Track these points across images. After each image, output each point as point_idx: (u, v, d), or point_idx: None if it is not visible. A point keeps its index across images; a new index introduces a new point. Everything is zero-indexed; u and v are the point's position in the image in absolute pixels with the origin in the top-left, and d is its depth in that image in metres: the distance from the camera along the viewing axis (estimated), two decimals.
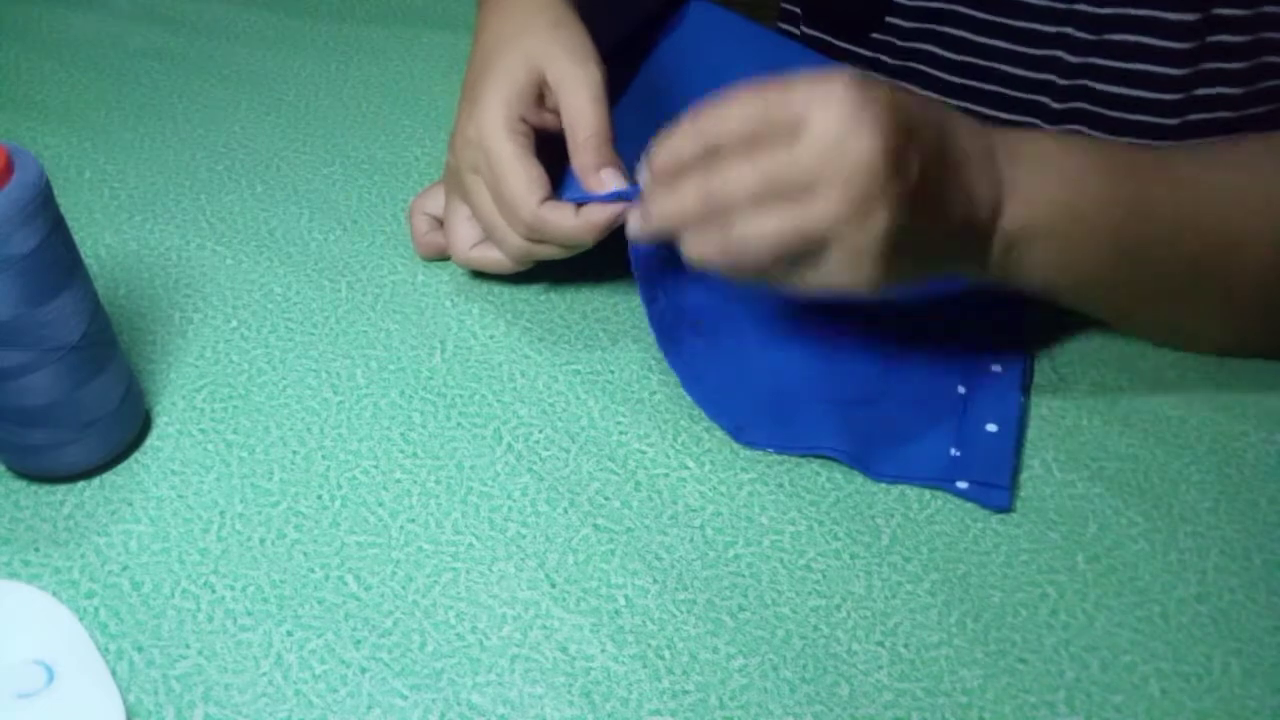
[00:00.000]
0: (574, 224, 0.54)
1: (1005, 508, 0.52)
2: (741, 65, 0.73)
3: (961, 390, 0.58)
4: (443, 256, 0.63)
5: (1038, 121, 0.67)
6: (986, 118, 0.68)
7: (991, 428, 0.55)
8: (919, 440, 0.55)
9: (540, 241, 0.56)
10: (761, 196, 0.46)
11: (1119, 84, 0.62)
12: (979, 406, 0.56)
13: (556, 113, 0.56)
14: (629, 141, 0.66)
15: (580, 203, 0.54)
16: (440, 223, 0.62)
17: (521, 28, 0.57)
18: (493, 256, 0.59)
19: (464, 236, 0.60)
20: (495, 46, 0.57)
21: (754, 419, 0.55)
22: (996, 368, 0.59)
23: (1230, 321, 0.57)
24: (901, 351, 0.59)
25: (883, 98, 0.45)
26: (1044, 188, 0.50)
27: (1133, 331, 0.59)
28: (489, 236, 0.58)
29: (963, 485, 0.52)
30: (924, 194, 0.46)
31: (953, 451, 0.54)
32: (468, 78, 0.59)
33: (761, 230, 0.46)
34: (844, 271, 0.47)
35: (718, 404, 0.55)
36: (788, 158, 0.45)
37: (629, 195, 0.53)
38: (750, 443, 0.54)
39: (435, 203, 0.63)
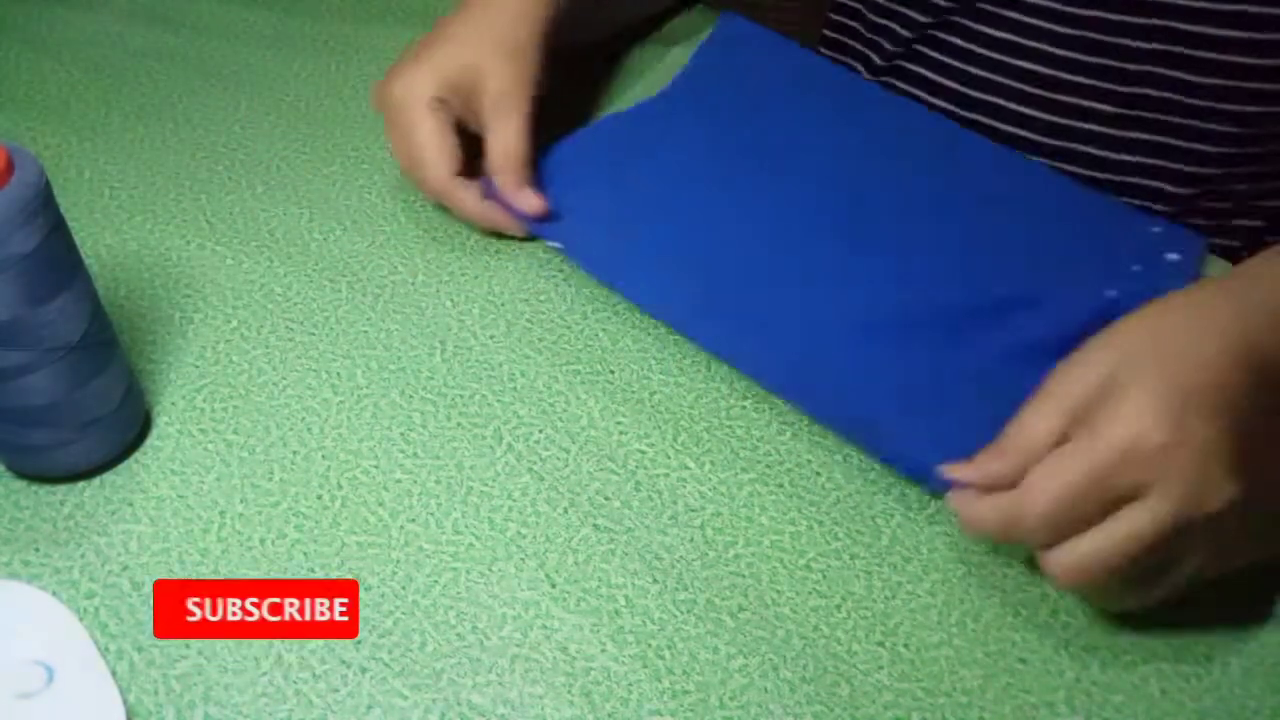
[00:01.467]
0: (475, 208, 0.62)
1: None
2: (775, 82, 0.73)
3: (1113, 294, 0.53)
4: None
5: (1126, 37, 0.66)
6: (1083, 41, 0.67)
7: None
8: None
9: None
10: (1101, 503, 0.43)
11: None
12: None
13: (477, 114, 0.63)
14: (667, 146, 0.68)
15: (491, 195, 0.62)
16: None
17: (491, 29, 0.64)
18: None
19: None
20: (457, 30, 0.64)
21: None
22: (1174, 256, 0.56)
23: None
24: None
25: (1185, 383, 0.43)
26: None
27: None
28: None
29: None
30: (1256, 442, 0.44)
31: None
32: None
33: (1111, 539, 0.43)
34: (1209, 563, 0.44)
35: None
36: (1105, 460, 0.43)
37: (532, 225, 0.62)
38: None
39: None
